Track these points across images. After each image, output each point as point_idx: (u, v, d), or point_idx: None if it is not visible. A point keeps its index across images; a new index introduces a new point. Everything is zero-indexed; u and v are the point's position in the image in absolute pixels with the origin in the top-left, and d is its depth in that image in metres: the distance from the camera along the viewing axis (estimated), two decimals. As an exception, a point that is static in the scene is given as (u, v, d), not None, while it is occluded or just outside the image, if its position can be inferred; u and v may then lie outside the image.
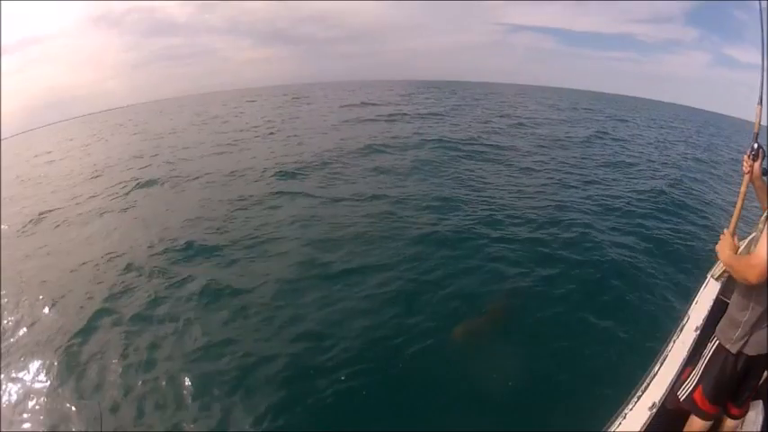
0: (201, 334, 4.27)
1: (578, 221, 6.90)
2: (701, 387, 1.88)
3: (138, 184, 10.86)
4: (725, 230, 1.87)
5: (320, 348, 3.90)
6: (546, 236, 6.34)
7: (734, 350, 1.77)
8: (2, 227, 8.79)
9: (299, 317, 4.46)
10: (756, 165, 1.81)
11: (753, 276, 1.56)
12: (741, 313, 1.76)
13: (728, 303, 2.45)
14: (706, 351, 1.91)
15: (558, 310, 4.41)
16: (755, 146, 1.80)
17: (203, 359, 3.91)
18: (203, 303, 4.83)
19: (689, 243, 6.42)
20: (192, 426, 3.25)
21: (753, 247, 1.65)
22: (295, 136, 15.73)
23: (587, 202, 8.12)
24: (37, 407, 3.64)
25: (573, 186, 9.27)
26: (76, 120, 57.24)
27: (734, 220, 1.93)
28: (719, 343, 1.85)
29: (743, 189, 1.88)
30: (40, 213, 9.55)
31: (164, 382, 3.66)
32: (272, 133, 17.05)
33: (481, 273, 5.23)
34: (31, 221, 9.17)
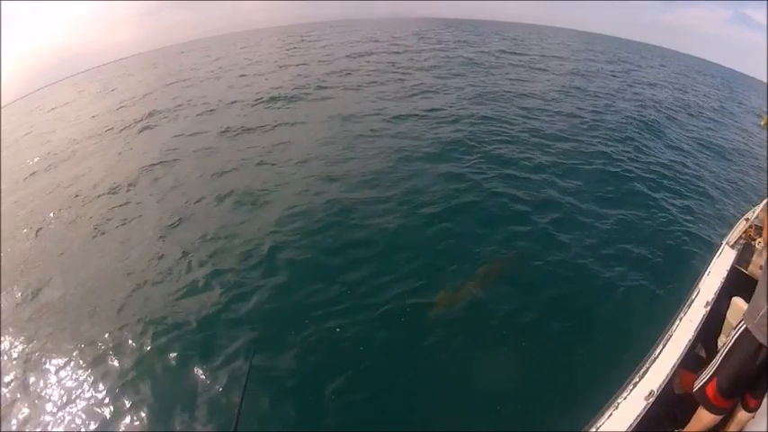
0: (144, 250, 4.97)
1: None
2: (715, 381, 1.64)
3: (142, 126, 11.04)
4: None
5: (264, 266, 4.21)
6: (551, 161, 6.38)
7: (761, 339, 1.51)
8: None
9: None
10: None
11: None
12: (762, 300, 1.48)
13: (747, 275, 2.17)
14: (728, 339, 1.63)
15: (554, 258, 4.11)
16: None
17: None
18: (161, 229, 5.37)
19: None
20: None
21: None
22: (301, 70, 15.45)
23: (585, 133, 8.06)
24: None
25: (577, 116, 9.14)
26: (89, 72, 56.92)
27: None
28: (746, 328, 1.55)
29: None
30: (49, 163, 9.95)
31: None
32: (272, 71, 16.55)
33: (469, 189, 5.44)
34: (37, 170, 9.70)
